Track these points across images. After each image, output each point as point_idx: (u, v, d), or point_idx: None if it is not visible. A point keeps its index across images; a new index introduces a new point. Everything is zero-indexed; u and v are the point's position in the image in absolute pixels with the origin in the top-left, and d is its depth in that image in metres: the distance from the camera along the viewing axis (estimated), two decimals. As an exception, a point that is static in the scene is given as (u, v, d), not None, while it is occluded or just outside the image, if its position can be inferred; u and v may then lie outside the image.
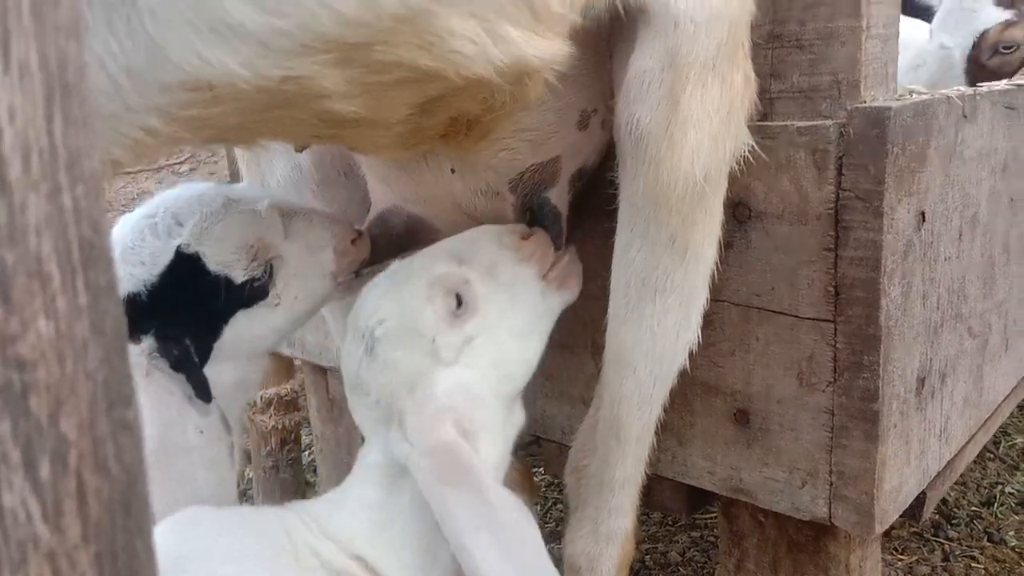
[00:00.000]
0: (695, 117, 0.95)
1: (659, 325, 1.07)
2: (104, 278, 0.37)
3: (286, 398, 2.61)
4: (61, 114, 0.35)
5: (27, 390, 0.33)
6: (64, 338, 0.35)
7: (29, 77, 0.34)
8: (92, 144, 0.37)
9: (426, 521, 0.91)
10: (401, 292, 0.98)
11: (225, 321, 1.09)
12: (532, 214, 1.16)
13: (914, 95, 1.14)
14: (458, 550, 0.85)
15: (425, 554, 0.94)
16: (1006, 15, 2.50)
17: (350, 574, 0.91)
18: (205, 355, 1.08)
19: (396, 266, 1.04)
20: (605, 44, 1.05)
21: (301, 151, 1.22)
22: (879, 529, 1.13)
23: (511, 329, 1.02)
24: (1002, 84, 1.38)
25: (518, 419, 1.05)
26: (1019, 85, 1.39)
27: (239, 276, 1.08)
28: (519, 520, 0.86)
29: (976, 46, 2.49)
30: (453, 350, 0.97)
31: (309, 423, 2.50)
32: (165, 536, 0.87)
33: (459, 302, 0.99)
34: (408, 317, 0.96)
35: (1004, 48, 2.47)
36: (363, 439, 1.03)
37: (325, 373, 2.05)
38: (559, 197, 1.16)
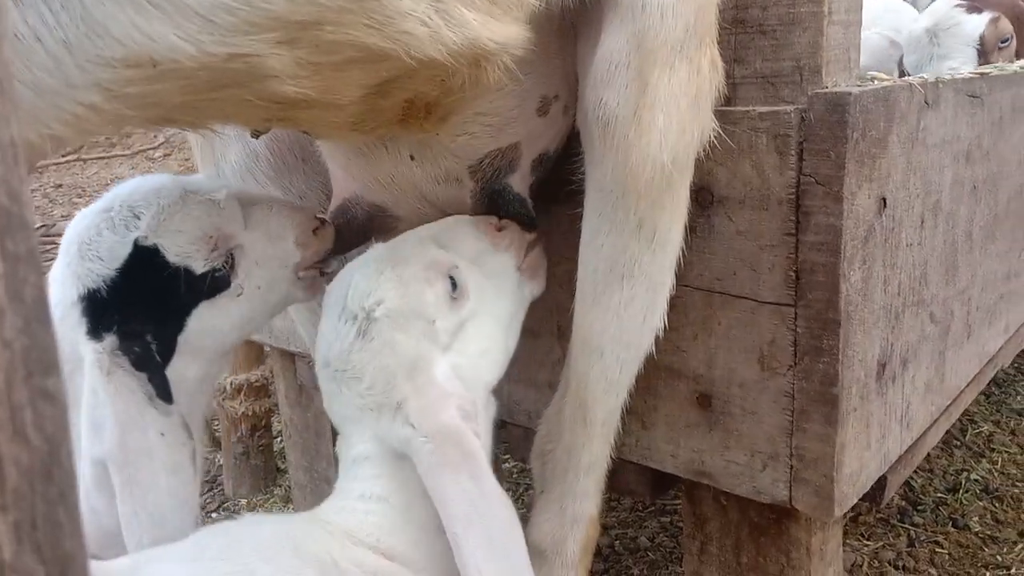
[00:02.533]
0: (663, 100, 0.95)
1: (626, 310, 1.07)
2: (23, 246, 0.36)
3: (256, 384, 2.60)
4: (-26, 79, 0.35)
5: (-62, 357, 0.33)
6: (-22, 305, 0.34)
7: (-62, 39, 0.34)
8: (9, 111, 0.37)
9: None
10: (399, 273, 0.95)
11: (188, 314, 1.08)
12: (494, 201, 1.15)
13: (875, 81, 1.15)
14: (451, 537, 0.84)
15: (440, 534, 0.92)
16: (986, 16, 2.61)
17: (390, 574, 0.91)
18: (169, 351, 1.07)
19: (380, 250, 1.02)
20: (569, 29, 1.05)
21: (257, 137, 1.20)
22: (839, 512, 1.14)
23: (496, 318, 1.02)
24: (965, 72, 1.39)
25: (493, 408, 1.06)
26: (982, 74, 1.40)
27: (199, 267, 1.06)
28: (510, 519, 0.85)
29: (981, 52, 2.56)
30: (449, 335, 0.96)
31: (279, 409, 2.49)
32: (192, 555, 0.87)
33: (453, 286, 0.98)
34: (409, 298, 0.94)
35: (1003, 43, 2.58)
36: (334, 432, 1.01)
37: (293, 359, 2.04)
38: (520, 183, 1.16)
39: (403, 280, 0.95)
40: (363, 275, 0.97)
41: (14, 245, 0.36)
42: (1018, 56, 2.64)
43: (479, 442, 0.88)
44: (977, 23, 2.61)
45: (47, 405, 0.37)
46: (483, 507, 0.84)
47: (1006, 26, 2.60)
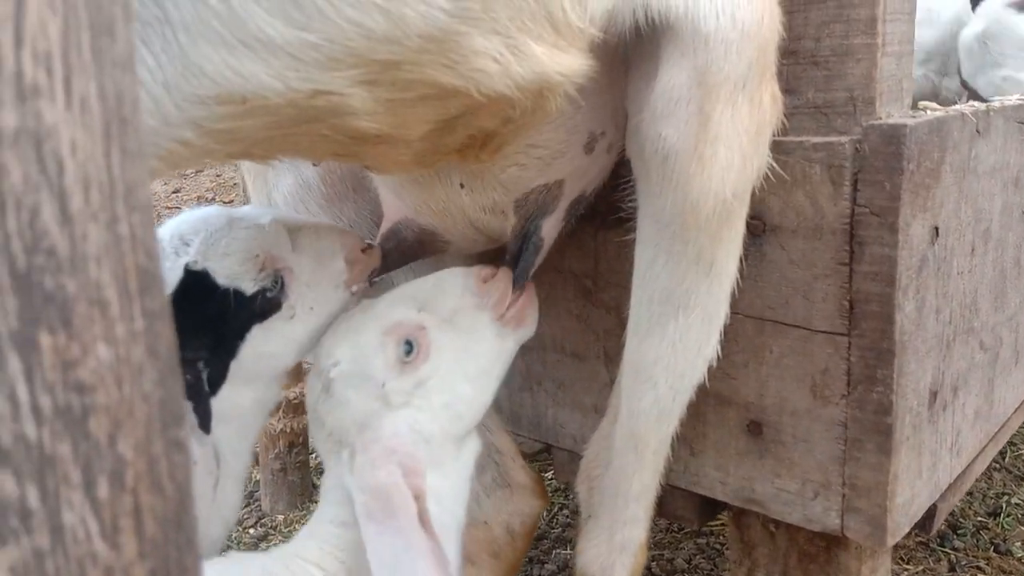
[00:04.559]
0: (725, 135, 0.95)
1: (681, 340, 1.08)
2: (158, 303, 0.38)
3: (294, 401, 2.63)
4: (118, 146, 0.37)
5: (87, 413, 0.35)
6: (122, 362, 0.36)
7: (89, 112, 0.35)
8: (145, 174, 0.38)
9: None
10: (356, 338, 1.05)
11: (241, 338, 1.10)
12: (521, 244, 1.18)
13: (928, 112, 1.15)
14: None
15: None
16: None
17: None
18: (220, 377, 1.09)
19: (359, 308, 1.10)
20: (619, 64, 1.06)
21: (316, 164, 1.23)
22: (891, 541, 1.14)
23: (465, 373, 1.07)
24: (1014, 99, 1.39)
25: (472, 448, 1.10)
26: (1032, 100, 1.40)
27: (249, 288, 1.08)
28: (434, 570, 0.90)
29: None
30: (403, 394, 1.02)
31: (318, 427, 2.51)
32: None
33: (410, 348, 1.04)
34: (360, 362, 1.03)
35: None
36: None
37: (336, 378, 2.06)
38: (551, 227, 1.18)
39: (357, 345, 1.04)
40: (331, 336, 1.08)
41: (151, 302, 0.38)
42: None
43: (411, 500, 0.94)
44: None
45: (178, 455, 0.38)
46: (405, 559, 0.91)
47: None
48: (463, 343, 1.08)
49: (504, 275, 1.14)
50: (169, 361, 0.38)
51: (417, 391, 1.03)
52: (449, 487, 1.04)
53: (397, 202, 1.26)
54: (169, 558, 0.38)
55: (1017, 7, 2.41)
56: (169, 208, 6.83)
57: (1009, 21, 2.39)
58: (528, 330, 1.16)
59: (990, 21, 2.43)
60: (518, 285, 1.14)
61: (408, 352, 1.03)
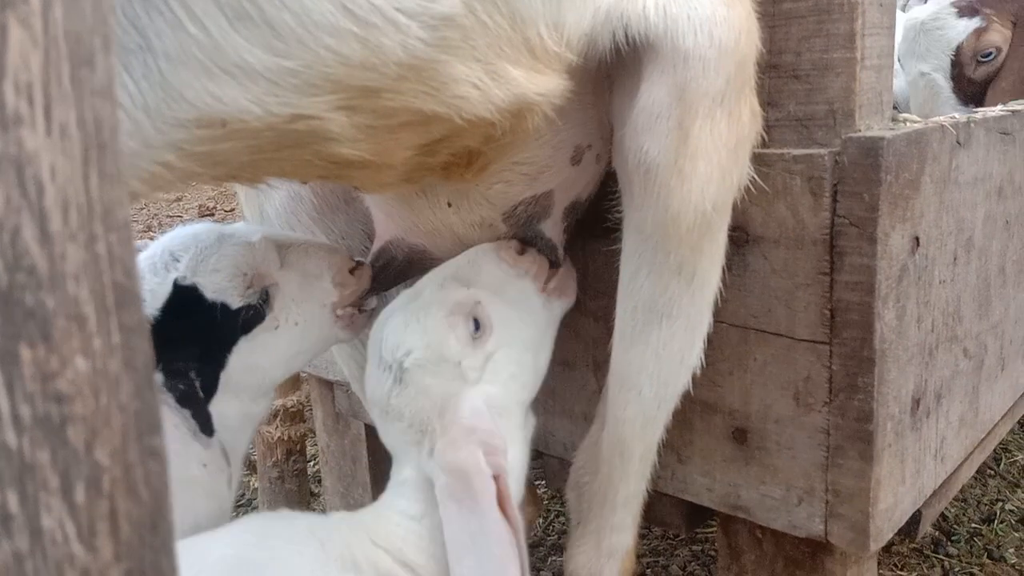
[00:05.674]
0: (705, 150, 0.98)
1: (664, 349, 1.10)
2: (135, 318, 0.40)
3: (292, 409, 2.65)
4: (97, 170, 0.39)
5: (65, 422, 0.37)
6: (99, 374, 0.38)
7: (68, 138, 0.38)
8: (124, 195, 0.41)
9: None
10: (423, 323, 1.05)
11: (229, 350, 1.13)
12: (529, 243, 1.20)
13: (907, 123, 1.17)
14: (449, 561, 0.94)
15: None
16: (974, 23, 2.41)
17: None
18: (212, 387, 1.12)
19: (406, 297, 1.11)
20: (603, 80, 1.08)
21: (305, 182, 1.25)
22: (874, 547, 1.16)
23: (524, 342, 1.10)
24: (997, 110, 1.41)
25: (531, 422, 1.15)
26: (1014, 111, 1.42)
27: (235, 302, 1.12)
28: (506, 555, 0.93)
29: (956, 64, 2.42)
30: (477, 370, 1.05)
31: (314, 434, 2.53)
32: (230, 542, 0.96)
33: (476, 325, 1.06)
34: (434, 346, 1.04)
35: (983, 57, 2.38)
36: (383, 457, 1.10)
37: (331, 387, 2.08)
38: (553, 229, 1.19)
39: (427, 330, 1.05)
40: (392, 327, 1.08)
41: (128, 317, 0.40)
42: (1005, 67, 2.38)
43: (490, 481, 0.96)
44: (960, 31, 2.40)
45: (154, 462, 0.40)
46: (480, 541, 0.93)
47: (991, 39, 2.37)
48: (516, 313, 1.11)
49: (534, 251, 1.17)
50: (146, 373, 0.40)
51: (487, 365, 1.06)
52: (520, 460, 1.08)
53: (388, 222, 1.28)
54: (145, 560, 0.40)
55: (959, 11, 2.42)
56: (171, 216, 6.86)
57: (943, 21, 2.42)
58: (569, 300, 1.21)
59: (932, 13, 2.46)
60: (553, 265, 1.18)
61: (475, 328, 1.06)
